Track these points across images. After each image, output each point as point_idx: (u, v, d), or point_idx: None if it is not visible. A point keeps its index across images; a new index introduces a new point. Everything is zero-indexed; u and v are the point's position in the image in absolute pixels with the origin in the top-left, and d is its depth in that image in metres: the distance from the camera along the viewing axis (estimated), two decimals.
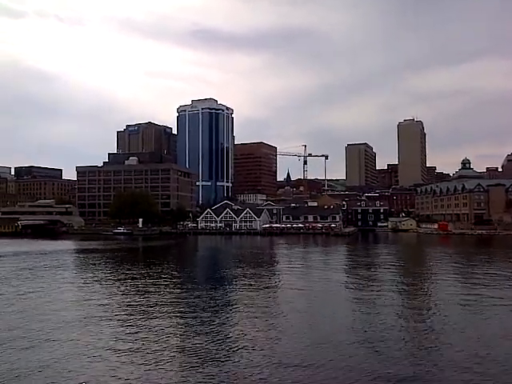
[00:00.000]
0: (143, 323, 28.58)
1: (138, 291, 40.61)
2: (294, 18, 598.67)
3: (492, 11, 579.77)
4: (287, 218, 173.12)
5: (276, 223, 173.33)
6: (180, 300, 37.56)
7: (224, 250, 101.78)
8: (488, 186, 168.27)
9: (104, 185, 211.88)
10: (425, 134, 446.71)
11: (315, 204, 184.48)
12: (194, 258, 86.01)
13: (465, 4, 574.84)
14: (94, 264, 64.54)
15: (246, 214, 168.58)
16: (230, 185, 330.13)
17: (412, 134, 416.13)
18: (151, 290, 41.44)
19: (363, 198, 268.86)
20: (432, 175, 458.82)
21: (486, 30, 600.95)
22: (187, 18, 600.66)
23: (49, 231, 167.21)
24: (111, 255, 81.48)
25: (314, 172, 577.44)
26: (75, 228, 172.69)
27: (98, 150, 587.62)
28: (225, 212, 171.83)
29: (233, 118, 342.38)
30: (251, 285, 44.47)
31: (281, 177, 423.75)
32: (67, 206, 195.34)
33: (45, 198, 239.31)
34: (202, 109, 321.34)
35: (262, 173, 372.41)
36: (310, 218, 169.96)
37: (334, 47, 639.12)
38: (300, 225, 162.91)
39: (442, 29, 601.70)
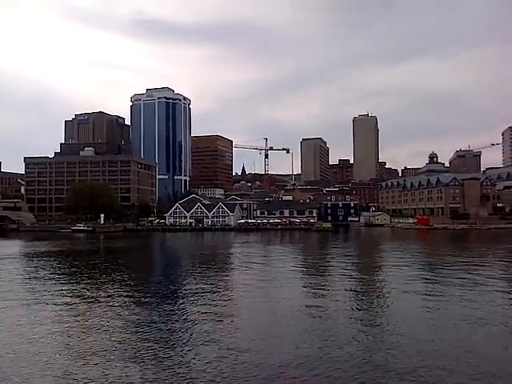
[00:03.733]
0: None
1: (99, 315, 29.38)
2: (240, 11, 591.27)
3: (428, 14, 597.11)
4: (262, 212, 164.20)
5: (247, 218, 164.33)
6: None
7: (206, 252, 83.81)
8: (463, 179, 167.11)
9: (56, 177, 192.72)
10: (378, 130, 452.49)
11: (290, 198, 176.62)
12: (168, 265, 65.27)
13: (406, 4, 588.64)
14: (48, 274, 49.13)
15: (218, 209, 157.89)
16: (188, 178, 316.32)
17: (367, 129, 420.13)
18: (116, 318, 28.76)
19: (325, 192, 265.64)
20: (383, 170, 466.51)
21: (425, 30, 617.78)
22: (130, 7, 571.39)
23: None
24: (69, 260, 66.32)
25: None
26: (27, 225, 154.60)
27: (41, 140, 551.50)
28: (195, 207, 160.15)
29: (190, 108, 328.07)
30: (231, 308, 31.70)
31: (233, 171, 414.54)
32: (15, 200, 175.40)
33: None
34: (159, 98, 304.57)
35: (218, 167, 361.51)
36: (286, 213, 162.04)
37: (280, 42, 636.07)
38: (277, 220, 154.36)
39: (385, 28, 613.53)
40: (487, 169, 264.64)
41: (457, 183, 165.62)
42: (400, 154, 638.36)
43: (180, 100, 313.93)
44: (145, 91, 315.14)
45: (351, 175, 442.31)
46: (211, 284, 42.04)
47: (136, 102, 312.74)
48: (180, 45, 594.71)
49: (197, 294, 37.10)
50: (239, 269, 54.34)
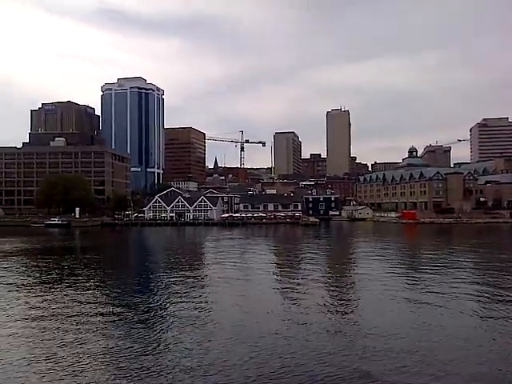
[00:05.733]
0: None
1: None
2: (210, 5, 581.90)
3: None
4: (245, 206, 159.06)
5: (228, 212, 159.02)
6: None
7: (201, 251, 77.01)
8: (446, 174, 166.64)
9: (25, 169, 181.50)
10: (350, 125, 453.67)
11: (274, 192, 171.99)
12: (157, 264, 56.59)
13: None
14: (20, 277, 43.30)
15: (200, 202, 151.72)
16: (161, 171, 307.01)
17: (340, 124, 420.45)
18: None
19: (302, 186, 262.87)
20: (353, 165, 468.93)
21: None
22: None
23: None
24: (39, 262, 56.93)
25: (234, 161, 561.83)
26: None
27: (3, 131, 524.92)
28: (176, 200, 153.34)
29: (163, 99, 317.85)
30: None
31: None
32: None
33: None
34: (131, 88, 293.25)
35: (191, 159, 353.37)
36: (270, 207, 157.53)
37: (255, 36, 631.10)
38: (262, 214, 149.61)
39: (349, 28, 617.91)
40: (455, 164, 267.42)
41: (440, 177, 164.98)
42: (363, 149, 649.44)
43: (153, 90, 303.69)
44: (116, 81, 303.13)
45: (322, 169, 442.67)
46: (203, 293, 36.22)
47: (107, 92, 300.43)
48: (150, 37, 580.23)
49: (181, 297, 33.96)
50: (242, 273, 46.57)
